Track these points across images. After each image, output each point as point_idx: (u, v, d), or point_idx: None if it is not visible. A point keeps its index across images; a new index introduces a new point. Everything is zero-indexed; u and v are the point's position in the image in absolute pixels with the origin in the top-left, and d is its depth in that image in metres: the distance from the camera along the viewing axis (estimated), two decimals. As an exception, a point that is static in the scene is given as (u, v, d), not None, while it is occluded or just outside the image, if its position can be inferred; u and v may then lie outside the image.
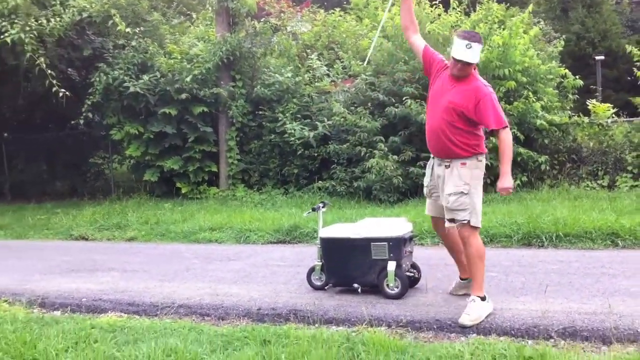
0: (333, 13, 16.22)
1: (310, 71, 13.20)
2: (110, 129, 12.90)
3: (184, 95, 12.20)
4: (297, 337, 4.40)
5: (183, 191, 12.51)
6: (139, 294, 6.04)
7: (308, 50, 14.27)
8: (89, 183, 14.87)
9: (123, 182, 14.18)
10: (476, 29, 11.54)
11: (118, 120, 12.70)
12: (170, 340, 4.45)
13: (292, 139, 11.70)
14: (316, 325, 4.79)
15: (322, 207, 5.81)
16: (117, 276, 6.81)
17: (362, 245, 5.27)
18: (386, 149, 10.62)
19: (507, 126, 4.65)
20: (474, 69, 4.73)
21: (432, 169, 4.96)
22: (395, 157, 10.50)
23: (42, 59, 11.32)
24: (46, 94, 13.56)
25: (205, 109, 12.47)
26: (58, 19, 11.85)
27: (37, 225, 10.53)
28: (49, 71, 11.36)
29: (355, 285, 5.38)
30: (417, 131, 10.68)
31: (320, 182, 11.47)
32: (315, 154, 11.74)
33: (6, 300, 6.05)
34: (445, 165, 4.77)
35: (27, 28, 11.38)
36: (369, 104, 11.42)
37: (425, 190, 5.11)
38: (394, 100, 10.95)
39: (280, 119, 12.07)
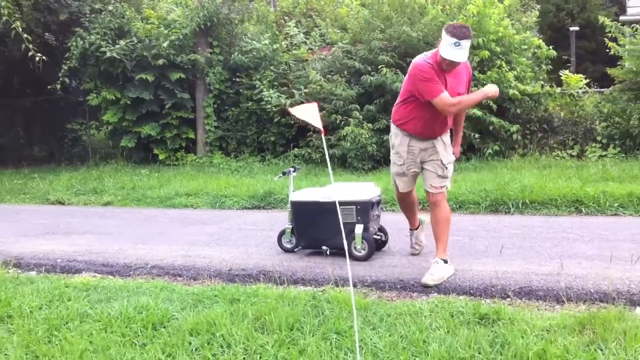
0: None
1: (288, 39, 13.22)
2: (88, 95, 12.87)
3: (161, 61, 12.18)
4: (265, 295, 4.56)
5: (160, 157, 12.57)
6: (112, 255, 6.17)
7: (286, 18, 14.26)
8: (66, 149, 14.83)
9: (101, 149, 14.19)
10: (453, -3, 11.64)
11: (95, 85, 12.67)
12: (142, 299, 4.58)
13: (269, 106, 11.77)
14: (284, 285, 4.96)
15: (293, 171, 5.95)
16: (91, 239, 6.92)
17: (330, 209, 5.40)
18: (361, 117, 10.75)
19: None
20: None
21: (408, 146, 4.98)
22: (370, 125, 10.63)
23: (17, 23, 11.23)
24: (23, 58, 13.45)
25: (183, 76, 12.48)
26: (34, -19, 11.78)
27: (14, 189, 10.56)
28: (25, 35, 11.27)
29: (324, 247, 5.55)
30: (392, 100, 10.66)
31: (296, 149, 11.59)
32: (292, 122, 11.83)
33: (-19, 262, 6.15)
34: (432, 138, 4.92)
35: (3, -10, 11.27)
36: (345, 72, 11.51)
37: (400, 169, 5.08)
38: (369, 69, 11.03)
39: (257, 86, 12.11)
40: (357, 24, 12.08)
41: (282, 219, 7.46)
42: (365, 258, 5.38)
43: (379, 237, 5.71)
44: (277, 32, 13.50)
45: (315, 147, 11.29)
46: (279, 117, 11.84)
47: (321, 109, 11.39)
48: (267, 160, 11.91)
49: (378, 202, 5.71)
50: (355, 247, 5.39)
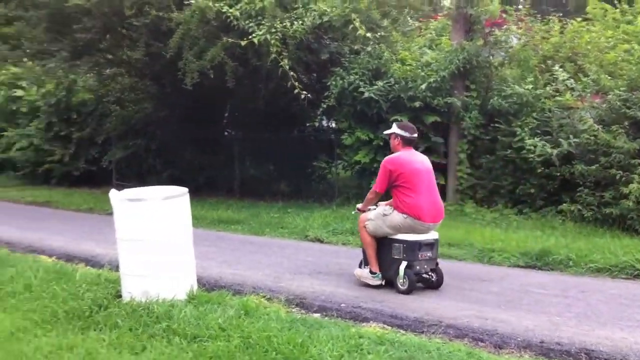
0: (572, 23, 15.07)
1: (552, 84, 12.25)
2: (341, 134, 12.93)
3: (417, 103, 11.86)
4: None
5: (409, 202, 12.17)
6: (398, 306, 5.74)
7: (548, 62, 13.30)
8: (313, 186, 15.03)
9: (345, 188, 14.14)
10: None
11: (349, 125, 12.66)
12: (453, 365, 4.05)
13: (531, 155, 10.86)
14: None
15: None
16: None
17: None
18: (646, 173, 9.46)
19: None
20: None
21: None
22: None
23: (285, 61, 11.57)
24: (280, 95, 13.96)
25: (438, 119, 12.04)
26: (300, 22, 12.08)
27: (271, 223, 10.68)
28: (292, 73, 11.57)
29: None
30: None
31: (564, 204, 10.49)
32: (557, 174, 10.79)
33: (264, 297, 6.03)
34: None
35: (273, 30, 11.70)
36: (626, 123, 10.27)
37: None
38: (656, 120, 9.75)
39: (518, 133, 11.28)
40: (636, 70, 10.83)
41: (573, 284, 6.62)
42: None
43: (428, 277, 6.35)
44: (538, 77, 12.58)
45: (587, 203, 10.13)
46: (542, 168, 10.86)
47: (593, 161, 10.31)
48: (525, 214, 10.96)
49: (431, 245, 6.33)
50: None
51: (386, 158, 6.51)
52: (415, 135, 6.58)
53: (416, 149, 6.85)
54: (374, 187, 6.58)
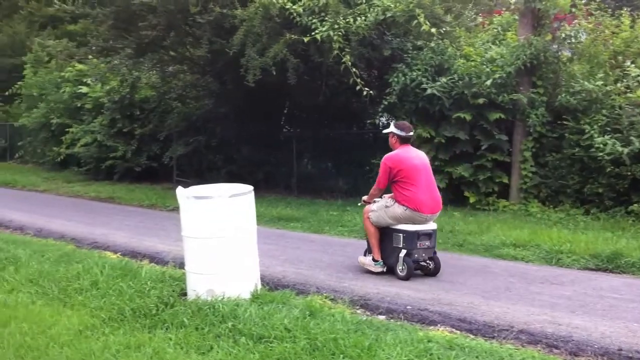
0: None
1: (623, 80, 11.78)
2: (399, 131, 12.75)
3: (481, 100, 11.58)
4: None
5: (471, 201, 11.89)
6: (466, 309, 5.58)
7: (619, 58, 12.81)
8: (371, 184, 14.85)
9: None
10: None
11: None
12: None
13: (600, 154, 10.47)
14: None
15: None
16: (434, 285, 6.42)
17: None
18: None
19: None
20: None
21: None
22: None
23: (347, 57, 11.47)
24: (340, 92, 13.84)
25: (502, 116, 11.71)
26: (363, 17, 11.96)
27: (331, 221, 10.60)
28: (354, 69, 11.47)
29: None
30: None
31: (635, 205, 10.08)
32: (628, 173, 10.37)
33: (328, 297, 5.96)
34: None
35: (336, 26, 11.61)
36: (703, 121, 9.81)
37: None
38: None
39: (586, 131, 10.89)
40: None
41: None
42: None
43: (426, 265, 6.76)
44: (609, 73, 12.12)
45: (660, 204, 9.74)
46: (611, 167, 10.46)
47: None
48: (593, 215, 10.57)
49: (429, 234, 6.66)
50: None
51: (385, 156, 7.00)
52: (411, 133, 7.04)
53: (411, 145, 7.13)
54: (375, 184, 7.12)
